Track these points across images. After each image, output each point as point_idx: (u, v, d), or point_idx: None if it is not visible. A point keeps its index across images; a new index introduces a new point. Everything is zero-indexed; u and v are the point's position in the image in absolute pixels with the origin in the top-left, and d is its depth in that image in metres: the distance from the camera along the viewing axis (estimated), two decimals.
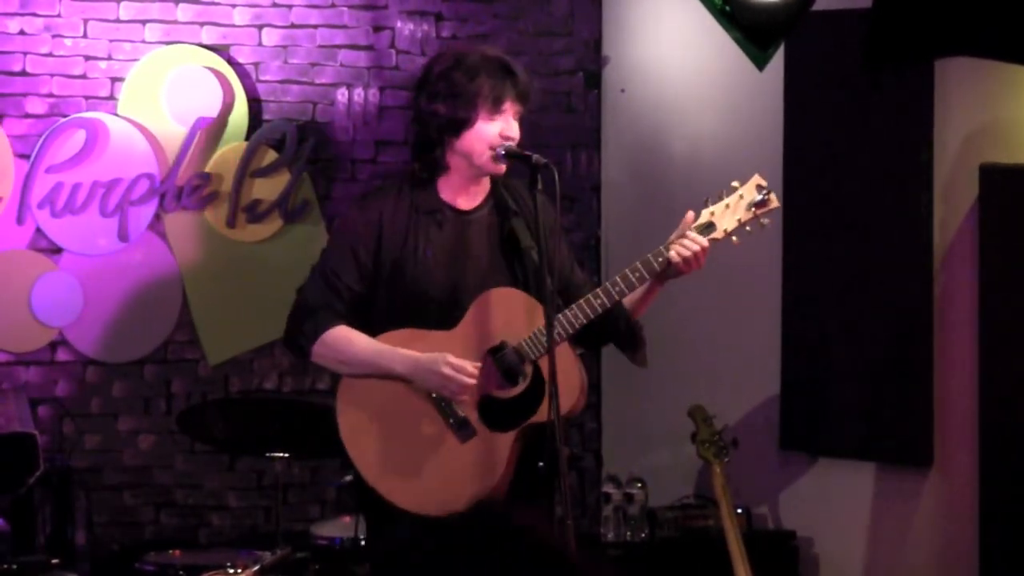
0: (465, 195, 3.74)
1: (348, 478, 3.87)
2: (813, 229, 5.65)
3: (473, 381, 3.58)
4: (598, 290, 3.62)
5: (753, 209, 3.66)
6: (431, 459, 3.63)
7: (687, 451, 5.60)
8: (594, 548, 5.66)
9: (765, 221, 3.68)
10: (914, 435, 5.41)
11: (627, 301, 3.72)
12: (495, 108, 3.64)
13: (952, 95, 5.33)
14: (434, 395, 3.63)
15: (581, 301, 3.60)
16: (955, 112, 5.33)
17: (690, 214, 3.68)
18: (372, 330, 3.69)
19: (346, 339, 3.65)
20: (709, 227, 3.65)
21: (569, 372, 3.52)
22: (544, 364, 3.56)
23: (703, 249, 3.62)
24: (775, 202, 3.68)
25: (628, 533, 5.71)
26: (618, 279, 3.62)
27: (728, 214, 3.66)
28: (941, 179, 5.36)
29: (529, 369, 3.61)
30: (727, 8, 5.01)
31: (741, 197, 3.67)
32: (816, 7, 5.00)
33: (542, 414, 3.56)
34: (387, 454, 3.64)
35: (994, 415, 5.11)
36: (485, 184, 3.76)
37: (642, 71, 6.30)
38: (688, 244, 3.61)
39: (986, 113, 5.30)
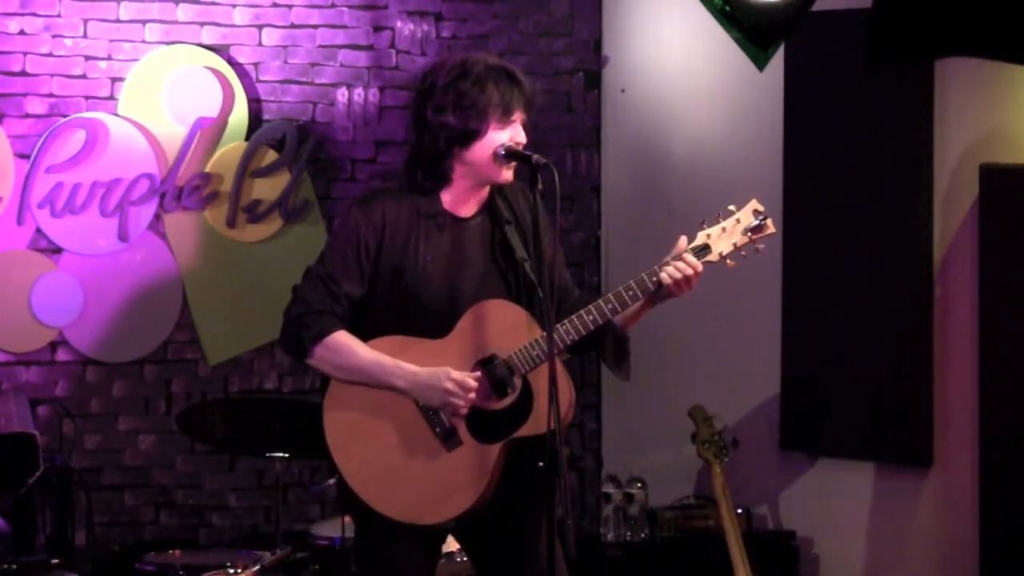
0: (465, 204, 3.73)
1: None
2: (813, 229, 5.65)
3: (475, 396, 3.58)
4: (591, 306, 3.61)
5: (749, 234, 3.68)
6: (416, 468, 3.62)
7: (687, 451, 5.60)
8: (594, 548, 5.67)
9: (760, 246, 3.70)
10: (914, 435, 5.41)
11: (629, 326, 3.73)
12: (505, 118, 3.62)
13: (952, 95, 5.33)
14: (423, 403, 3.63)
15: (573, 316, 3.60)
16: (955, 112, 5.33)
17: (683, 238, 3.68)
18: (364, 331, 3.67)
19: (347, 346, 3.63)
20: (704, 249, 3.66)
21: (560, 386, 3.49)
22: (533, 378, 3.57)
23: (696, 272, 3.62)
24: (771, 228, 3.69)
25: (628, 533, 5.72)
26: (611, 296, 3.61)
27: (724, 237, 3.67)
28: (941, 179, 5.36)
29: (519, 382, 3.61)
30: (727, 8, 5.01)
31: (738, 221, 3.68)
32: (816, 7, 5.01)
33: (529, 427, 3.57)
34: (372, 461, 3.64)
35: (994, 415, 5.11)
36: (484, 192, 3.76)
37: (642, 71, 6.30)
38: (681, 267, 3.60)
39: (986, 113, 5.30)
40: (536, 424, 3.54)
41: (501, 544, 3.75)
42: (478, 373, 3.61)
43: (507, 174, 3.68)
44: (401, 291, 3.65)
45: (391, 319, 3.66)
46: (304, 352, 3.66)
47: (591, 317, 3.60)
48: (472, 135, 3.62)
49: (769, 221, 3.69)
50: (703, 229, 3.68)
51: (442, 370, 3.58)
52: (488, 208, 3.75)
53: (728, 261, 3.68)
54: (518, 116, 3.66)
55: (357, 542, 3.84)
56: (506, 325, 3.62)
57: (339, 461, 3.67)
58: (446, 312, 3.64)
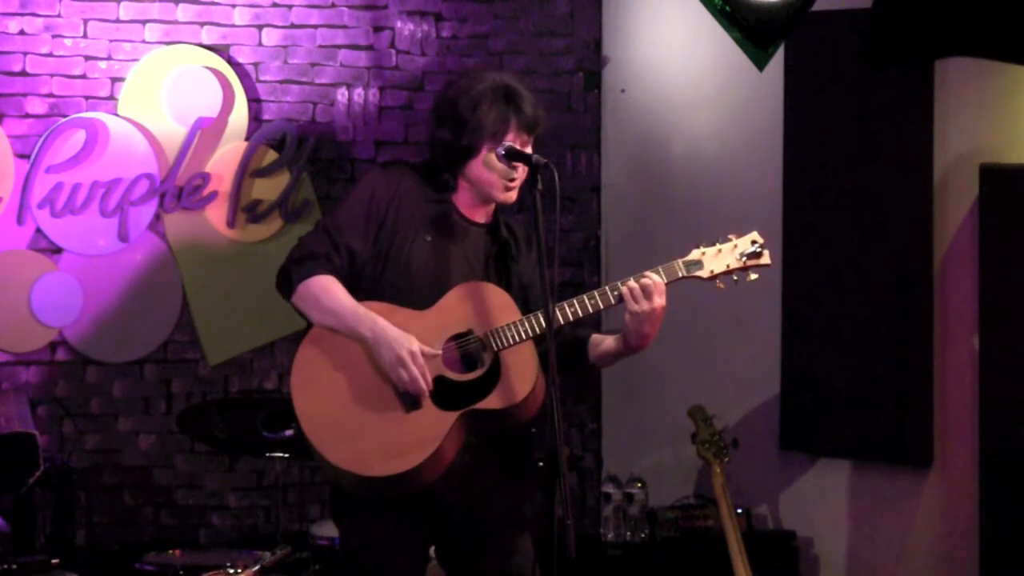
0: (472, 212, 3.78)
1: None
2: (813, 229, 5.66)
3: (420, 385, 3.58)
4: (572, 299, 3.65)
5: (744, 259, 3.69)
6: (371, 421, 3.64)
7: (687, 451, 5.61)
8: (594, 548, 5.67)
9: (753, 276, 3.71)
10: (914, 435, 5.42)
11: (597, 351, 3.77)
12: (496, 139, 3.66)
13: (952, 95, 5.33)
14: (376, 360, 3.64)
15: (557, 306, 3.63)
16: (955, 112, 5.34)
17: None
18: (356, 296, 3.71)
19: (331, 288, 3.67)
20: (696, 264, 3.68)
21: (527, 365, 3.56)
22: (505, 357, 3.61)
23: (656, 287, 3.61)
24: (767, 258, 3.71)
25: (628, 533, 5.72)
26: (595, 293, 3.66)
27: (718, 257, 3.70)
28: (941, 180, 5.36)
29: (489, 359, 3.63)
30: (727, 8, 5.01)
31: (735, 247, 3.70)
32: (816, 7, 5.01)
33: (490, 401, 3.61)
34: (328, 408, 3.66)
35: (994, 415, 5.11)
36: (490, 208, 3.81)
37: (642, 71, 6.30)
38: (643, 281, 3.62)
39: (986, 113, 5.30)
40: (497, 399, 3.59)
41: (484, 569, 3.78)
42: (437, 352, 3.62)
43: (508, 195, 3.72)
44: (395, 264, 3.70)
45: (381, 291, 3.69)
46: (291, 290, 3.70)
47: (572, 309, 3.65)
48: (465, 152, 3.68)
49: (766, 253, 3.71)
50: (698, 248, 3.70)
51: (407, 337, 3.60)
52: (492, 225, 3.79)
53: (718, 282, 3.70)
54: (512, 137, 3.68)
55: (343, 549, 3.85)
56: (489, 306, 3.66)
57: (296, 403, 3.68)
58: (434, 297, 3.66)
